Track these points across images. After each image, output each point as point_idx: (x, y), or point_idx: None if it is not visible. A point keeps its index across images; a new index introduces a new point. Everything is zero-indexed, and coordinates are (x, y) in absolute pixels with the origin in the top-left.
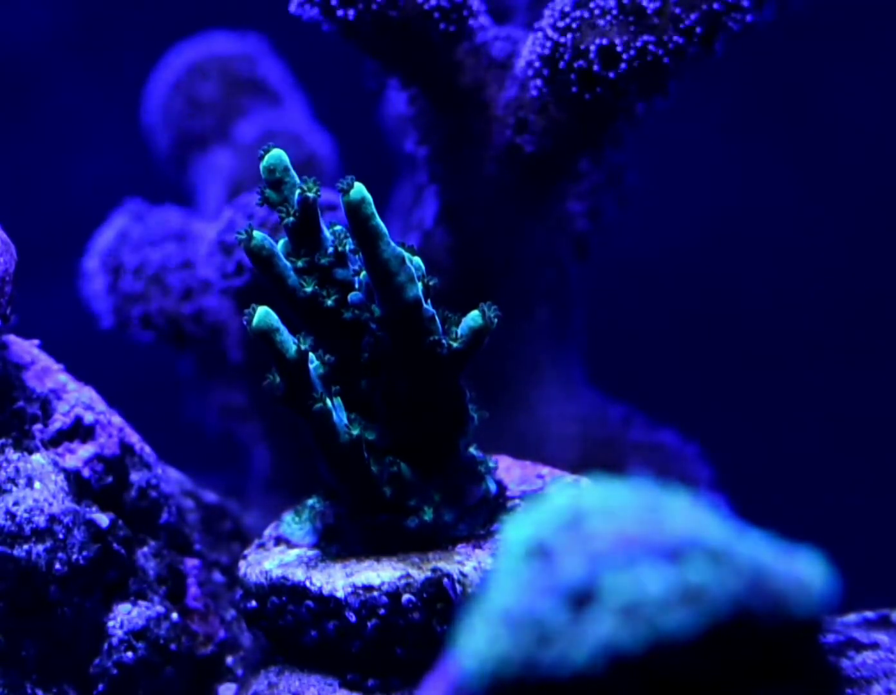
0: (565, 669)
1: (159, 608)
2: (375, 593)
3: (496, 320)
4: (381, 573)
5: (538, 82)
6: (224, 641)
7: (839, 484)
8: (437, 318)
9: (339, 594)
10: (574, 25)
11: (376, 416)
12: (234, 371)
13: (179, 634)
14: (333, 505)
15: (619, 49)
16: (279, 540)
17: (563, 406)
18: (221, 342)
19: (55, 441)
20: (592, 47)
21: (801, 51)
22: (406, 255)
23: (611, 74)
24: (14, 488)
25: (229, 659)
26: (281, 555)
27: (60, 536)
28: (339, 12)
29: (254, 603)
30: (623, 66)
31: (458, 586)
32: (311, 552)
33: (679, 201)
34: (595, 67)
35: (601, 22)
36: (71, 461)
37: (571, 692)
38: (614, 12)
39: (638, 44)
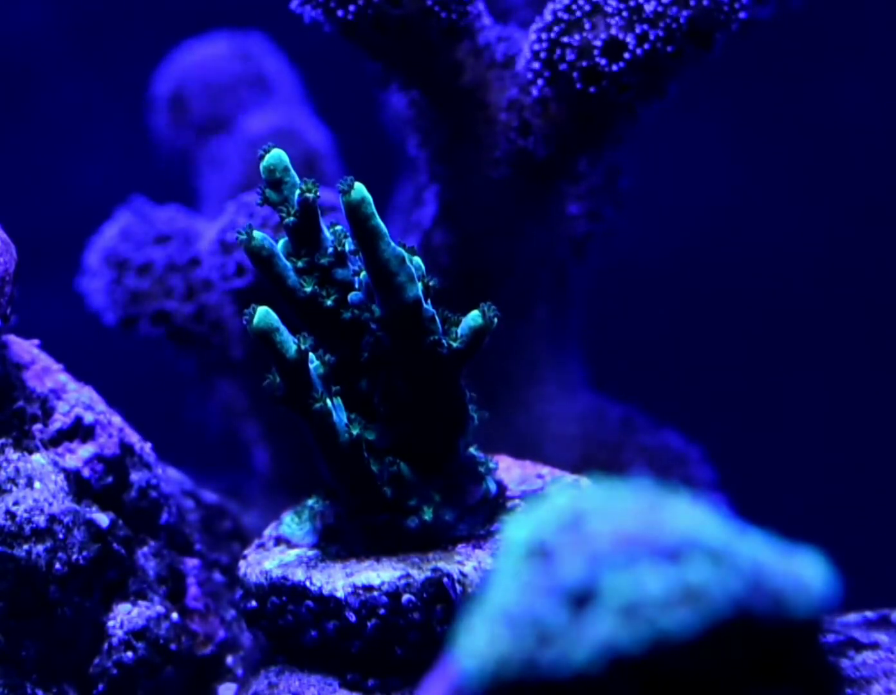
0: (565, 669)
1: (159, 608)
2: (375, 593)
3: (496, 320)
4: (381, 573)
5: (539, 81)
6: (224, 641)
7: (839, 484)
8: (437, 318)
9: (339, 594)
10: (574, 22)
11: (376, 416)
12: (235, 371)
13: (179, 634)
14: (333, 505)
15: (624, 42)
16: (279, 540)
17: (562, 406)
18: (222, 341)
19: (55, 441)
20: (595, 42)
21: (800, 51)
22: (406, 255)
23: (614, 68)
24: (14, 488)
25: (229, 659)
26: (281, 555)
27: (60, 536)
28: (339, 12)
29: (254, 603)
30: (626, 57)
31: (458, 586)
32: (310, 552)
33: (679, 202)
34: (597, 62)
35: (600, 18)
36: (71, 461)
37: (571, 692)
38: (614, 8)
39: (638, 32)
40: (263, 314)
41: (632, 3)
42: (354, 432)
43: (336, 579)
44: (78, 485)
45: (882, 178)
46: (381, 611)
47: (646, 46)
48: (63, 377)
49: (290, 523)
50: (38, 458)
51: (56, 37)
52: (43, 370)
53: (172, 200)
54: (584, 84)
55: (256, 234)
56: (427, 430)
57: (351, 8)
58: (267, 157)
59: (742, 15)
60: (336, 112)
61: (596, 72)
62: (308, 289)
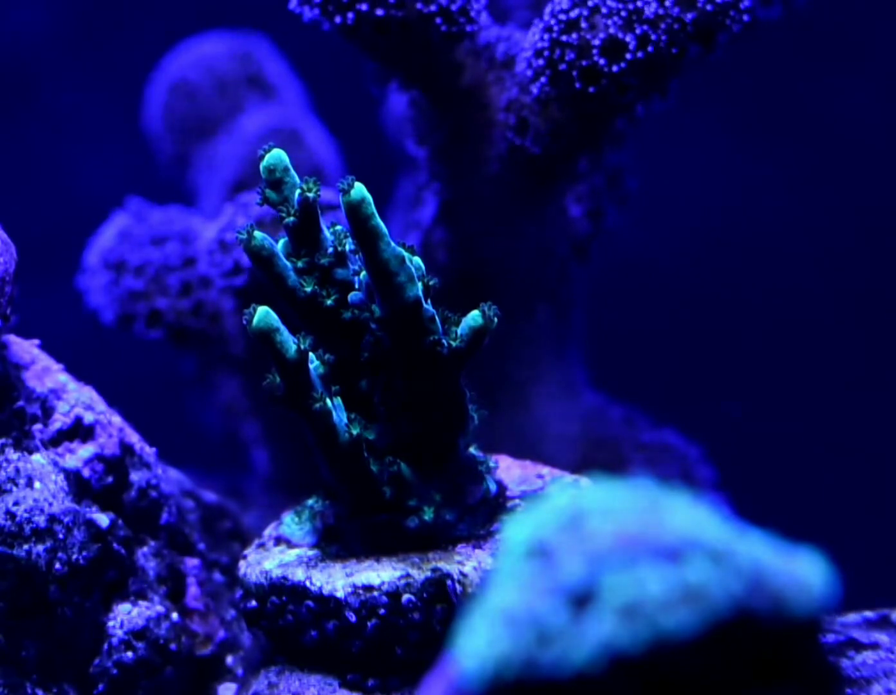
0: (565, 669)
1: (159, 608)
2: (375, 593)
3: (496, 320)
4: (381, 573)
5: (540, 80)
6: (224, 641)
7: (839, 484)
8: (437, 318)
9: (339, 594)
10: (574, 21)
11: (376, 416)
12: (234, 371)
13: (179, 634)
14: (333, 505)
15: (624, 42)
16: (279, 540)
17: (563, 406)
18: (221, 341)
19: (55, 441)
20: (595, 42)
21: (800, 53)
22: (406, 255)
23: (614, 68)
24: (14, 488)
25: (229, 659)
26: (281, 555)
27: (60, 536)
28: (337, 18)
29: (254, 603)
30: (628, 57)
31: (458, 586)
32: (310, 552)
33: (680, 202)
34: (597, 61)
35: (599, 18)
36: (71, 461)
37: (572, 692)
38: (614, 7)
39: (638, 33)
40: (263, 314)
41: (630, 6)
42: (354, 432)
43: (336, 579)
44: (78, 485)
45: (885, 177)
46: (381, 611)
47: (649, 49)
48: (63, 377)
49: (290, 523)
50: (38, 458)
51: (56, 37)
52: (43, 370)
53: (171, 200)
54: (584, 83)
55: (257, 234)
56: (427, 430)
57: (349, 14)
58: (267, 157)
59: (745, 18)
60: (337, 112)
61: (595, 71)
62: (308, 289)
